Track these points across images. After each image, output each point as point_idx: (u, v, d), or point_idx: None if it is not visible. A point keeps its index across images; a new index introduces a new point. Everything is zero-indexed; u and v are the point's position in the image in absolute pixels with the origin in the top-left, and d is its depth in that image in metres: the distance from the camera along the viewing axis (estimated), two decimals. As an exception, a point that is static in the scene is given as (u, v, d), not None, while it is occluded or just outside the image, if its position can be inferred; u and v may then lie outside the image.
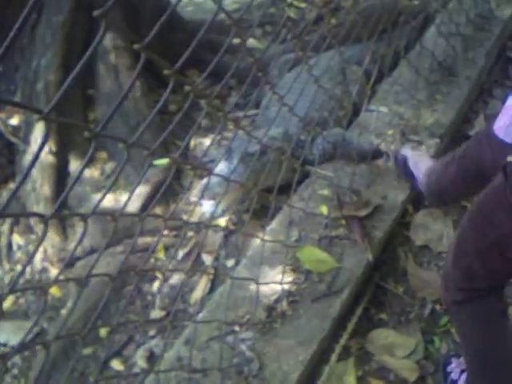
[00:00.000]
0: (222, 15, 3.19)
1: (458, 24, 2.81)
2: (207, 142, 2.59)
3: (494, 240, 1.23)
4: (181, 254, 2.20)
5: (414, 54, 2.54)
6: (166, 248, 2.22)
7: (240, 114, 2.77)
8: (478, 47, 2.84)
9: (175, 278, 2.11)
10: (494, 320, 1.47)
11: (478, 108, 2.70)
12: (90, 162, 2.42)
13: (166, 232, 2.23)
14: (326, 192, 2.15)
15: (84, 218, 0.98)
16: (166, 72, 0.97)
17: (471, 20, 2.97)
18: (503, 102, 1.14)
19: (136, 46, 0.87)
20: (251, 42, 3.14)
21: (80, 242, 1.08)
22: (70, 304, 2.11)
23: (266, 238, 2.00)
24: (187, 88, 1.04)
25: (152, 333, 1.95)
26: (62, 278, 2.11)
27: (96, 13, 0.76)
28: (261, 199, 2.17)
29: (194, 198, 2.26)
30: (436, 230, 2.13)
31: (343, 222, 2.04)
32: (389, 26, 2.20)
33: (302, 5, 3.57)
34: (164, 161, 2.43)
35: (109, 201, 2.30)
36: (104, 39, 2.44)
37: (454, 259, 1.43)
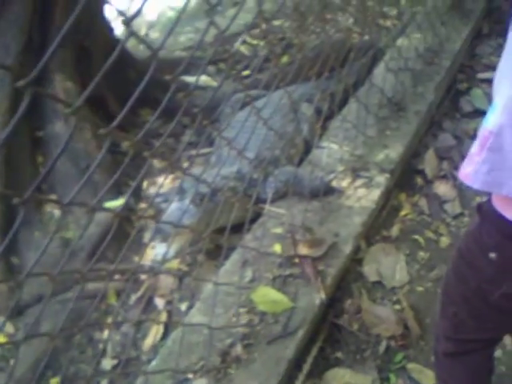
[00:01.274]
0: (176, 53, 3.23)
1: (407, 59, 2.87)
2: (161, 181, 2.56)
3: (476, 286, 1.21)
4: (133, 298, 2.15)
5: (363, 90, 2.59)
6: (118, 293, 2.17)
7: (194, 152, 2.77)
8: (427, 81, 2.91)
9: (127, 325, 2.06)
10: (482, 378, 1.45)
11: (428, 141, 2.75)
12: (39, 205, 2.38)
13: (117, 276, 2.18)
14: (279, 230, 2.15)
15: (18, 283, 0.95)
16: (101, 131, 0.95)
17: (421, 54, 3.04)
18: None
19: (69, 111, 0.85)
20: (204, 79, 3.16)
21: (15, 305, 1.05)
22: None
23: (220, 279, 1.98)
24: (126, 144, 1.03)
25: (104, 383, 1.89)
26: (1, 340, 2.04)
27: (19, 83, 0.73)
28: (214, 239, 2.16)
29: (146, 240, 2.22)
30: (388, 266, 2.15)
31: (297, 260, 2.04)
32: (338, 63, 2.24)
33: (255, 41, 3.62)
34: (116, 202, 2.40)
35: (58, 245, 2.25)
36: (53, 81, 2.42)
37: (441, 308, 1.41)
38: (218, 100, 2.67)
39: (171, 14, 4.65)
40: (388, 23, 3.60)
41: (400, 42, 3.02)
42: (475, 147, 1.10)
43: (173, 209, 2.01)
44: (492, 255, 1.12)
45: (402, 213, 2.39)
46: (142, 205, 2.42)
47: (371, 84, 2.47)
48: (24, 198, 0.81)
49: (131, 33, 0.89)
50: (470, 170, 1.08)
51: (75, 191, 0.97)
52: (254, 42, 3.58)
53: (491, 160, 1.04)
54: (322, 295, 1.94)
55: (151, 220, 2.22)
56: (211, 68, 3.33)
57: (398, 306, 2.04)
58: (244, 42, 3.55)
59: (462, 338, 1.39)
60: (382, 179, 2.30)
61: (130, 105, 0.98)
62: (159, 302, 2.12)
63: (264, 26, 3.67)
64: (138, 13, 0.90)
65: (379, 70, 2.77)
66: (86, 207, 1.01)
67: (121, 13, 0.91)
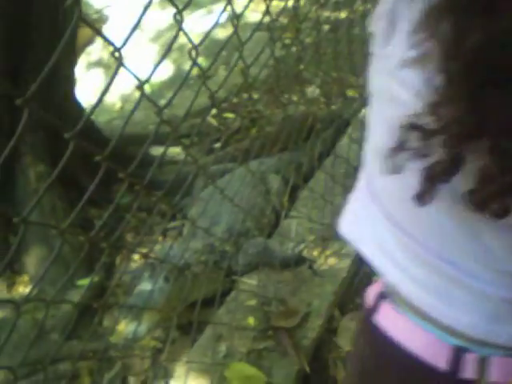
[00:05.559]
0: (149, 127, 3.27)
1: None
2: (135, 257, 2.57)
3: None
4: (106, 377, 2.11)
5: (329, 161, 2.67)
6: (91, 373, 2.13)
7: (168, 225, 2.80)
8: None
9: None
10: None
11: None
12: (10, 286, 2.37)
13: (90, 356, 2.15)
14: (252, 302, 2.15)
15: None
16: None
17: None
18: None
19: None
20: (178, 152, 3.23)
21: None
22: None
23: (193, 355, 1.97)
24: (81, 238, 1.06)
25: None
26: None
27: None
28: (187, 315, 2.15)
29: (119, 318, 2.21)
30: (362, 334, 2.15)
31: (271, 332, 2.04)
32: (302, 137, 2.33)
33: (228, 115, 3.73)
34: (88, 280, 2.39)
35: (30, 326, 2.23)
36: (25, 162, 2.46)
37: None
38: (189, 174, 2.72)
39: (146, 87, 4.77)
40: (352, 93, 3.75)
41: (363, 112, 3.14)
42: (352, 196, 1.05)
43: (143, 286, 2.01)
44: None
45: (375, 279, 2.41)
46: (115, 281, 2.41)
47: (336, 155, 2.55)
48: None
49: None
50: (342, 215, 1.02)
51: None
52: (226, 115, 3.70)
53: (355, 212, 0.97)
54: (306, 367, 1.93)
55: (122, 297, 2.24)
56: (185, 141, 3.40)
57: (373, 376, 2.03)
58: (216, 116, 3.66)
59: None
60: (350, 249, 2.33)
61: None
62: (133, 382, 2.09)
63: (235, 100, 3.81)
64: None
65: (344, 141, 2.87)
66: (44, 301, 1.02)
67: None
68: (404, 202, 0.73)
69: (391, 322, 0.90)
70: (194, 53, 1.12)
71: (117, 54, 0.86)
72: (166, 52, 1.04)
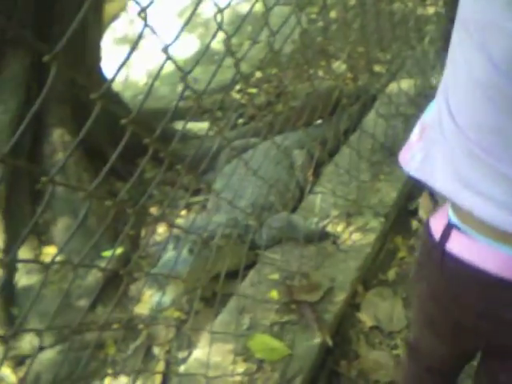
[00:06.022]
0: (174, 103, 3.27)
1: (398, 105, 2.93)
2: (159, 229, 2.59)
3: None
4: (132, 347, 2.15)
5: (355, 136, 2.64)
6: (116, 342, 2.17)
7: (192, 199, 2.81)
8: (419, 125, 2.95)
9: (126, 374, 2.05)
10: None
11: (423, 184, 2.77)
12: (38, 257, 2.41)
13: (115, 326, 2.18)
14: (276, 276, 2.16)
15: (9, 336, 0.97)
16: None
17: (412, 99, 3.10)
18: None
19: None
20: (201, 127, 3.23)
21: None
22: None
23: (217, 327, 1.99)
24: (108, 203, 1.06)
25: None
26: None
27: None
28: (211, 287, 2.17)
29: (144, 289, 2.23)
30: (386, 310, 2.14)
31: (294, 306, 2.04)
32: (326, 111, 2.30)
33: (252, 90, 3.71)
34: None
35: (57, 295, 2.27)
36: (52, 134, 2.49)
37: None
38: (217, 147, 2.73)
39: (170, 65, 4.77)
40: (378, 69, 3.68)
41: (391, 87, 3.09)
42: (415, 136, 1.14)
43: (167, 257, 2.03)
44: None
45: (399, 256, 2.40)
46: (140, 252, 2.44)
47: (362, 130, 2.52)
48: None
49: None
50: (408, 156, 1.12)
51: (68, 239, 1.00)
52: (251, 90, 3.68)
53: (426, 150, 1.06)
54: (328, 340, 1.93)
55: (147, 269, 2.26)
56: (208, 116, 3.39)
57: (396, 351, 2.03)
58: (240, 91, 3.64)
59: None
60: (376, 223, 2.32)
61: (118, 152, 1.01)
62: (157, 352, 2.12)
63: (259, 75, 3.78)
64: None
65: (370, 116, 2.83)
66: (71, 264, 1.03)
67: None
68: (494, 128, 0.83)
69: (464, 247, 0.97)
70: (219, 17, 1.10)
71: (143, 15, 0.85)
72: (192, 14, 1.03)
